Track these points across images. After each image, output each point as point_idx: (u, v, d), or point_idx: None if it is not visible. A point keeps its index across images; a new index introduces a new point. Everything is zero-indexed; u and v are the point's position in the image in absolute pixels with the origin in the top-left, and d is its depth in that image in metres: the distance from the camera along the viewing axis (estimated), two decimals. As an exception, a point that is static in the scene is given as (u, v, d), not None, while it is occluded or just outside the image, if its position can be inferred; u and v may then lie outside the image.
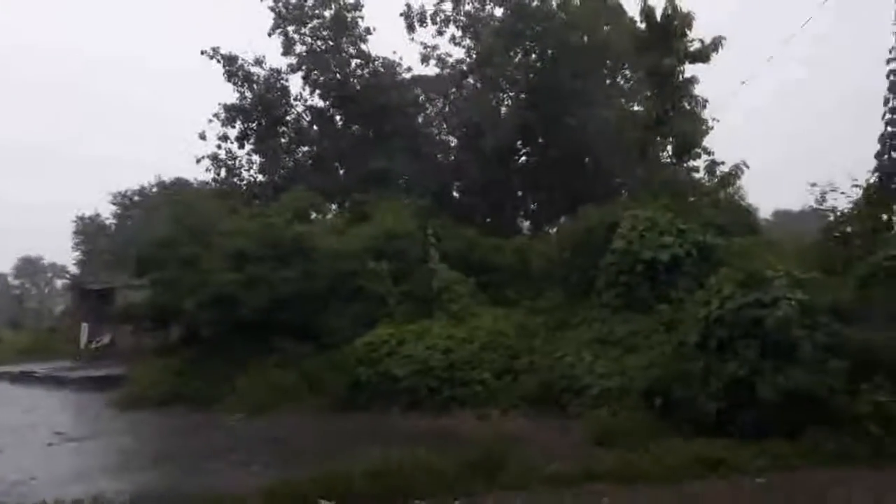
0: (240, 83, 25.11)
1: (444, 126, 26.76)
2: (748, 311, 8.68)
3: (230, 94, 25.38)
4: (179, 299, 15.33)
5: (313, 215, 20.22)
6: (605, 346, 12.03)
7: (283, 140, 25.82)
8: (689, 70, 16.00)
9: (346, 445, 9.63)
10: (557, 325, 13.89)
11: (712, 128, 16.47)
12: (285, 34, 24.87)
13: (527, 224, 26.63)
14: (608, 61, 23.36)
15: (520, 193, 26.47)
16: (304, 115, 26.17)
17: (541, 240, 20.28)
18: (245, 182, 25.63)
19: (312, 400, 13.22)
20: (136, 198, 49.39)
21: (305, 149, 26.05)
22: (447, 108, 26.49)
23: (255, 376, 14.03)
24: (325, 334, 14.98)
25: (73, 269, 54.63)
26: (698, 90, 16.22)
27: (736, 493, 7.00)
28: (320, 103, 25.91)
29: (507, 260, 18.04)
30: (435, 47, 26.20)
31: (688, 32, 15.67)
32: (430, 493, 6.92)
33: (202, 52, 24.72)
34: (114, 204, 50.43)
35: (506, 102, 25.18)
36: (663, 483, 7.19)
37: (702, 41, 15.68)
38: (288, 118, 25.89)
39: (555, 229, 24.24)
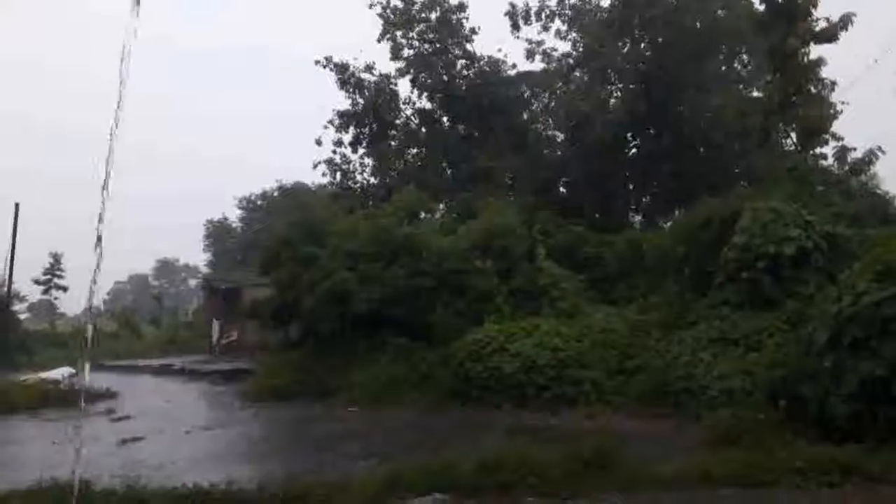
0: (352, 90, 26.06)
1: (550, 121, 26.51)
2: (886, 306, 8.01)
3: (344, 101, 26.47)
4: (299, 296, 16.19)
5: (422, 215, 20.64)
6: (724, 345, 11.50)
7: (393, 143, 26.55)
8: (815, 51, 15.01)
9: (456, 439, 9.75)
10: (672, 323, 13.38)
11: (841, 112, 15.34)
12: (393, 39, 25.54)
13: (638, 218, 25.85)
14: (723, 45, 22.28)
15: (630, 187, 25.75)
16: (412, 117, 26.78)
17: (653, 234, 19.61)
18: (359, 184, 26.60)
19: (423, 394, 13.49)
20: (259, 202, 52.42)
21: (414, 150, 26.65)
22: (553, 104, 26.21)
23: (368, 370, 14.51)
24: (434, 330, 15.28)
25: (205, 270, 58.72)
26: (825, 72, 15.18)
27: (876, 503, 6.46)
28: (428, 105, 26.42)
29: (618, 255, 17.61)
30: (540, 43, 26.05)
31: (813, 11, 14.67)
32: (539, 490, 6.88)
33: (316, 63, 25.92)
34: (240, 208, 53.87)
35: (615, 94, 24.56)
36: (789, 489, 6.75)
37: (828, 19, 14.63)
38: (398, 122, 26.60)
39: (668, 223, 23.40)
